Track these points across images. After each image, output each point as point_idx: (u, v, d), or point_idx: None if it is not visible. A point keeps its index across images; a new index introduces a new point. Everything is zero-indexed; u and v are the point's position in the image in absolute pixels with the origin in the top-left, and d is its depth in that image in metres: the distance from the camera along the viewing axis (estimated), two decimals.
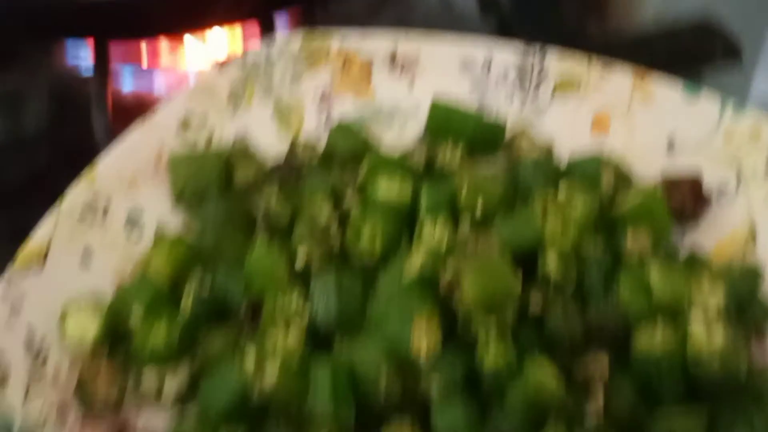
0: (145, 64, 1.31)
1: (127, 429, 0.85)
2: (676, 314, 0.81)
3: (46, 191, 0.94)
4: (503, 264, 0.81)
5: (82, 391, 0.85)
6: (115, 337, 0.89)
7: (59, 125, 1.16)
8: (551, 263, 0.83)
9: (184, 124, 1.01)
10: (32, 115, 1.26)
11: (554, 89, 1.04)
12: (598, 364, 0.80)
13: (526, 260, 0.84)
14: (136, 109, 1.14)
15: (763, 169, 0.96)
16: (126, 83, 1.30)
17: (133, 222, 0.96)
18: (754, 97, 1.28)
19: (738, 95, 1.08)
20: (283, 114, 1.05)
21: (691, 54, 1.32)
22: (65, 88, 1.29)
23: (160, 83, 1.29)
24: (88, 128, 1.17)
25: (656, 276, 0.82)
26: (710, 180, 0.97)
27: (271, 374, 0.78)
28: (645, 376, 0.79)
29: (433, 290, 0.81)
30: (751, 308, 0.88)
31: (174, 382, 0.86)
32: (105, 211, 0.95)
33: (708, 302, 0.82)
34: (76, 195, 0.93)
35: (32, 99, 1.27)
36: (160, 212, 0.98)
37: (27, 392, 0.84)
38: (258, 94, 1.04)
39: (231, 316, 0.89)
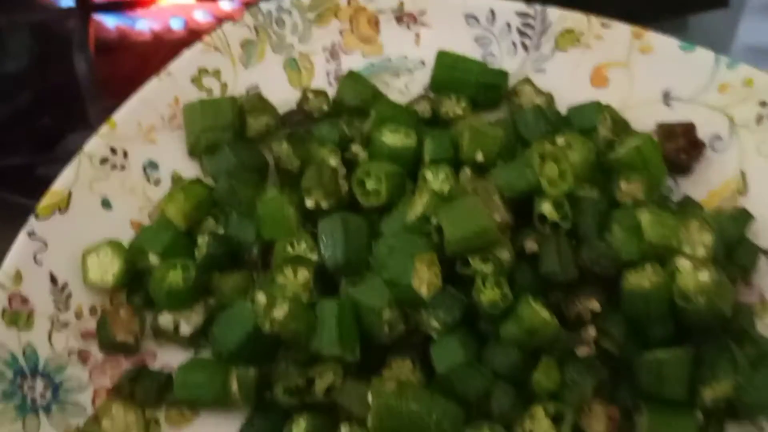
0: (127, 1, 1.28)
1: (145, 368, 0.89)
2: (665, 255, 0.85)
3: (28, 129, 0.96)
4: (480, 207, 0.85)
5: (103, 331, 0.90)
6: (134, 279, 0.94)
7: (41, 63, 1.15)
8: (546, 207, 0.87)
9: (198, 77, 1.05)
10: (14, 53, 1.25)
11: (556, 42, 1.07)
12: (590, 303, 0.84)
13: (524, 204, 0.88)
14: (118, 47, 1.15)
15: (754, 118, 0.99)
16: (108, 21, 1.27)
17: (150, 170, 1.00)
18: (740, 42, 1.29)
19: (724, 40, 1.10)
20: (294, 66, 1.09)
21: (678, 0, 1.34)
22: (47, 26, 1.27)
23: (142, 21, 1.28)
24: (70, 66, 1.15)
25: (647, 219, 0.85)
26: (704, 129, 1.00)
27: (280, 313, 0.82)
28: (634, 313, 0.84)
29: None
30: (739, 251, 0.92)
31: (189, 323, 0.91)
32: (123, 160, 0.99)
33: (697, 244, 0.86)
34: (95, 144, 0.98)
35: (13, 37, 1.26)
36: (176, 161, 1.02)
37: (50, 333, 0.89)
38: (269, 48, 1.08)
39: (244, 260, 0.94)
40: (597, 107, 1.00)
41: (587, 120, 0.99)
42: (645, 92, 1.04)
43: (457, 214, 0.84)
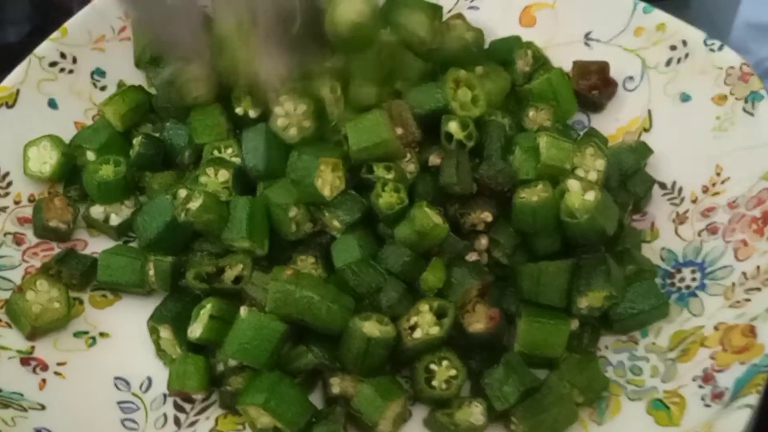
0: None
1: (73, 251, 0.96)
2: (559, 176, 0.91)
3: None
4: (384, 121, 0.91)
5: (37, 217, 0.97)
6: (72, 174, 1.01)
7: (41, 33, 1.12)
8: (452, 126, 0.93)
9: None
10: (14, 22, 1.30)
11: None
12: (484, 214, 0.90)
13: (435, 125, 0.95)
14: None
15: (664, 61, 1.05)
16: None
17: (97, 76, 1.07)
18: (741, 19, 1.34)
19: (725, 17, 1.15)
20: None
21: None
22: None
23: None
24: None
25: (545, 141, 0.92)
26: (618, 69, 1.07)
27: (195, 205, 0.89)
28: (523, 226, 0.90)
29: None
30: (634, 180, 0.99)
31: (119, 215, 0.98)
32: (72, 65, 1.06)
33: (590, 169, 0.93)
34: (46, 48, 1.05)
35: (14, 7, 1.30)
36: (123, 70, 1.09)
37: None
38: None
39: (175, 165, 1.01)
40: (517, 42, 1.06)
41: (506, 53, 1.05)
42: (568, 33, 1.11)
43: (362, 126, 0.91)
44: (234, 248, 0.91)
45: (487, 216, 0.90)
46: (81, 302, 0.94)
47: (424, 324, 0.86)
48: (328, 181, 0.89)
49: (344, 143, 0.92)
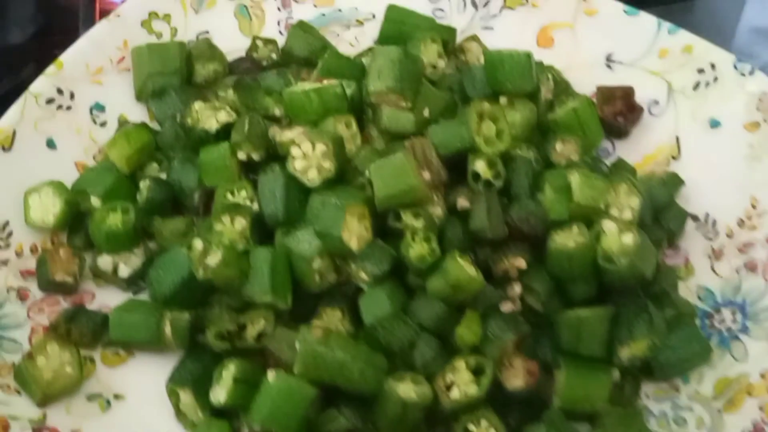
0: None
1: (82, 307, 0.91)
2: (592, 217, 0.87)
3: None
4: (409, 165, 0.86)
5: (42, 270, 0.92)
6: (76, 220, 0.95)
7: (46, 35, 1.14)
8: (479, 165, 0.89)
9: (148, 20, 1.05)
10: (18, 23, 1.24)
11: (504, 2, 1.09)
12: (517, 260, 0.86)
13: (461, 161, 0.90)
14: None
15: (691, 85, 1.01)
16: None
17: (96, 111, 1.01)
18: (745, 23, 1.31)
19: (729, 22, 1.12)
20: (245, 13, 1.10)
21: None
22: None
23: None
24: (75, 38, 1.10)
25: (577, 180, 0.87)
26: (643, 93, 1.03)
27: (214, 261, 0.84)
28: (558, 272, 0.86)
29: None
30: (667, 214, 0.95)
31: (128, 266, 0.93)
32: (70, 101, 1.00)
33: (624, 207, 0.89)
34: (41, 84, 0.99)
35: (18, 8, 1.24)
36: (123, 103, 1.03)
37: None
38: None
39: (185, 206, 0.95)
40: (539, 67, 1.02)
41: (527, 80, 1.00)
42: (588, 54, 1.07)
43: (387, 171, 0.86)
44: (255, 303, 0.86)
45: (521, 263, 0.86)
46: (92, 361, 0.89)
47: (461, 383, 0.82)
48: (354, 232, 0.85)
49: (367, 186, 0.87)
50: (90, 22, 1.15)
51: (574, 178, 0.88)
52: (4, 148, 0.95)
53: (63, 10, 1.22)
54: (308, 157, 0.89)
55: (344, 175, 0.90)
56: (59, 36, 1.18)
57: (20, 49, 1.20)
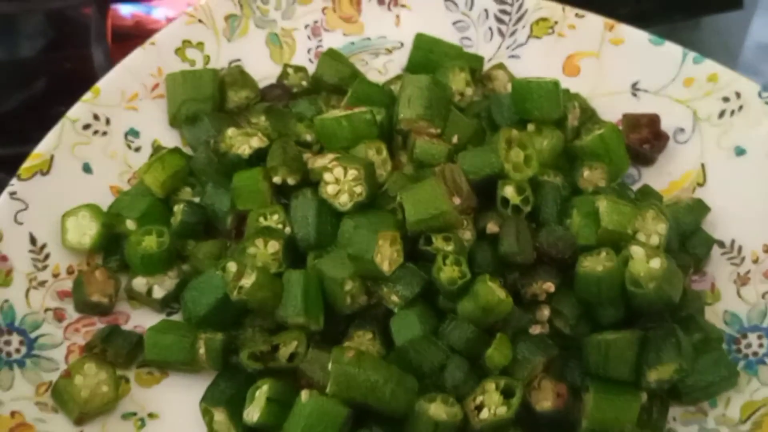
0: None
1: (118, 328, 0.93)
2: (620, 242, 0.88)
3: (43, 117, 0.98)
4: (440, 191, 0.88)
5: (78, 291, 0.93)
6: (111, 243, 0.97)
7: (56, 49, 1.14)
8: (508, 190, 0.90)
9: (182, 48, 1.08)
10: (29, 37, 1.24)
11: (531, 30, 1.11)
12: (546, 284, 0.88)
13: (490, 186, 0.92)
14: (134, 35, 1.13)
15: (717, 113, 1.03)
16: (124, 9, 1.27)
17: (131, 137, 1.03)
18: (752, 40, 1.32)
19: (736, 39, 1.13)
20: (276, 42, 1.12)
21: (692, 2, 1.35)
22: (62, 11, 1.24)
23: (158, 9, 1.29)
24: (86, 52, 1.16)
25: (605, 206, 0.89)
26: (668, 121, 1.04)
27: (248, 283, 0.86)
28: (587, 296, 0.87)
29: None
30: (693, 240, 0.96)
31: (162, 287, 0.95)
32: (106, 126, 1.02)
33: (651, 233, 0.90)
34: (78, 110, 1.01)
35: (29, 22, 1.23)
36: (157, 129, 1.05)
37: (28, 291, 0.92)
38: (252, 23, 1.11)
39: (218, 229, 0.97)
40: (566, 94, 1.03)
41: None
42: (614, 83, 1.08)
43: (418, 195, 0.88)
44: (288, 324, 0.87)
45: (550, 287, 0.87)
46: (127, 381, 0.91)
47: (491, 404, 0.83)
48: (386, 255, 0.86)
49: (398, 212, 0.88)
50: (101, 36, 1.16)
51: (602, 204, 0.89)
52: (42, 173, 0.96)
53: (73, 23, 1.23)
54: (340, 181, 0.90)
55: (375, 200, 0.92)
56: (70, 50, 1.21)
57: (31, 63, 1.21)
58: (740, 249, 0.97)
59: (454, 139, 0.96)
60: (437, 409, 0.82)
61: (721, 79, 1.03)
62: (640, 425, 0.85)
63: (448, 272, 0.85)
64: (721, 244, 0.98)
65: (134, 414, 0.89)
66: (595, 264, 0.86)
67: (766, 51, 1.22)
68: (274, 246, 0.90)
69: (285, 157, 0.95)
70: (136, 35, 1.11)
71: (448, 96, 0.98)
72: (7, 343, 0.88)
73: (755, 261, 0.95)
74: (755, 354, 0.91)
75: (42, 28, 1.24)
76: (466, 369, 0.85)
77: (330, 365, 0.82)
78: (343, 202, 0.90)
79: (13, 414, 0.84)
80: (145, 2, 1.26)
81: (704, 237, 0.97)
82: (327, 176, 0.91)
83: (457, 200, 0.88)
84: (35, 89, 1.20)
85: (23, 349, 0.89)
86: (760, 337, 0.91)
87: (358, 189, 0.90)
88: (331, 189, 0.91)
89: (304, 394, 0.82)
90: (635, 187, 1.03)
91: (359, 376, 0.81)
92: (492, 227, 0.89)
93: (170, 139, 1.05)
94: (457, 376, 0.84)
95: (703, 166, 1.02)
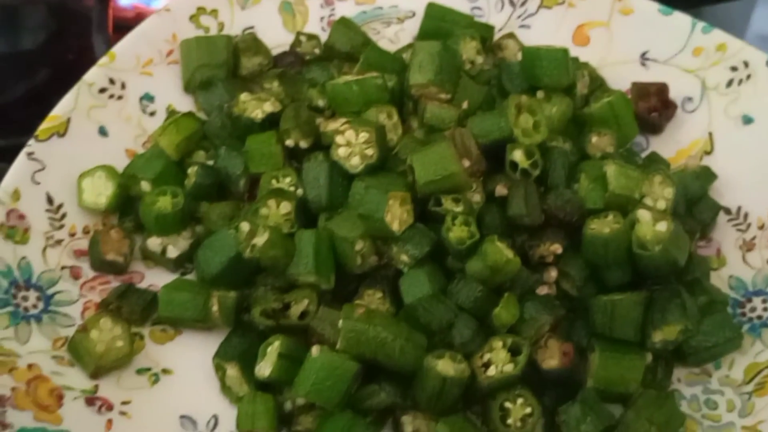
0: None
1: (132, 285, 0.95)
2: (627, 205, 0.90)
3: (45, 108, 1.00)
4: (450, 153, 0.89)
5: (94, 250, 0.95)
6: (126, 204, 0.99)
7: (58, 40, 1.14)
8: (517, 154, 0.91)
9: (196, 15, 1.09)
10: (31, 29, 1.25)
11: (542, 1, 1.12)
12: (553, 245, 0.89)
13: (500, 150, 0.93)
14: (134, 26, 1.10)
15: (725, 82, 1.04)
16: (126, 0, 1.27)
17: (146, 101, 1.05)
18: (752, 31, 1.33)
19: (736, 30, 1.14)
20: (289, 10, 1.13)
21: None
22: (65, 3, 1.25)
23: (159, 1, 1.27)
24: (88, 44, 1.17)
25: (613, 170, 0.90)
26: (677, 90, 1.05)
27: (260, 241, 0.87)
28: (593, 257, 0.89)
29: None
30: (700, 207, 0.98)
31: (176, 247, 0.96)
32: (121, 90, 1.04)
33: (658, 197, 0.91)
34: (94, 74, 1.02)
35: (31, 14, 1.25)
36: (172, 94, 1.07)
37: (45, 249, 0.94)
38: None
39: (231, 192, 0.99)
40: (575, 62, 1.04)
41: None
42: (623, 52, 1.09)
43: (429, 158, 0.89)
44: (299, 283, 0.89)
45: (557, 248, 0.89)
46: (141, 337, 0.92)
47: (498, 361, 0.85)
48: (396, 215, 0.88)
49: (409, 174, 0.90)
50: (102, 28, 1.17)
51: (610, 169, 0.90)
52: (59, 134, 0.98)
53: (75, 15, 1.23)
54: (351, 144, 0.92)
55: (386, 163, 0.93)
56: (71, 41, 1.22)
57: (33, 55, 1.21)
58: (746, 216, 0.98)
59: (464, 105, 0.97)
60: (445, 366, 0.83)
61: (730, 49, 1.04)
62: (645, 385, 0.87)
63: (457, 232, 0.87)
64: (728, 211, 0.99)
65: (148, 369, 0.90)
66: (603, 226, 0.88)
67: (766, 41, 1.22)
68: (286, 207, 0.92)
69: (298, 120, 0.96)
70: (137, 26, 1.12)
71: (458, 62, 0.99)
72: (25, 298, 0.90)
73: (761, 227, 0.97)
74: (759, 317, 0.92)
75: (44, 19, 1.25)
76: (474, 327, 0.86)
77: (340, 321, 0.84)
78: (355, 164, 0.91)
79: (30, 366, 0.86)
80: None
81: (711, 203, 0.98)
82: (338, 139, 0.92)
83: (466, 163, 0.89)
84: (37, 80, 1.21)
85: (40, 305, 0.91)
86: (764, 301, 0.93)
87: (369, 151, 0.91)
88: (342, 151, 0.92)
89: (315, 349, 0.83)
90: (643, 155, 1.03)
91: (369, 332, 0.83)
92: (501, 190, 0.91)
93: (184, 104, 1.06)
94: (465, 334, 0.86)
95: (710, 134, 1.03)
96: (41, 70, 1.22)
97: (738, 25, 1.31)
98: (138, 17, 1.13)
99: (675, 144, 1.04)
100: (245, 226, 0.89)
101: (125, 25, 1.11)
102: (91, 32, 1.17)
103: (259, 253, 0.87)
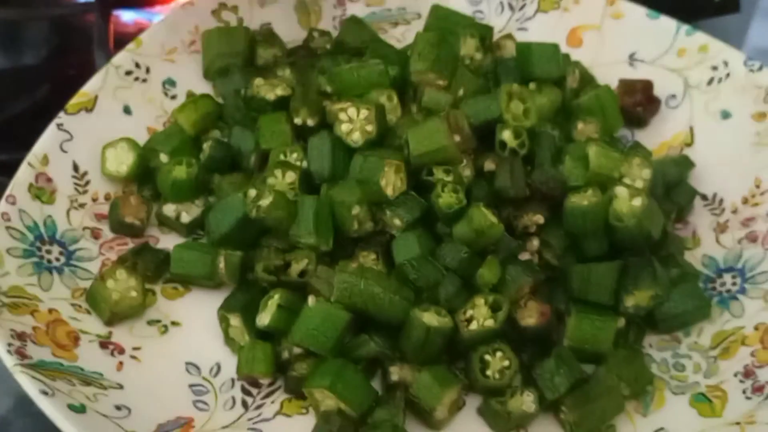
0: None
1: (148, 244, 1.03)
2: (607, 183, 0.97)
3: (47, 123, 1.04)
4: (442, 129, 0.97)
5: (114, 213, 1.03)
6: (146, 175, 1.07)
7: (60, 56, 1.17)
8: (506, 134, 0.99)
9: (218, 10, 1.18)
10: (32, 45, 1.29)
11: (538, 5, 1.21)
12: (536, 217, 0.96)
13: (491, 132, 1.01)
14: None
15: (706, 81, 1.11)
16: (126, 15, 1.29)
17: (168, 86, 1.13)
18: (750, 45, 1.39)
19: (734, 43, 1.21)
20: (304, 9, 1.22)
21: (691, 1, 1.43)
22: (65, 19, 1.30)
23: (160, 16, 1.26)
24: (90, 59, 1.20)
25: (595, 151, 0.97)
26: (662, 88, 1.13)
27: (265, 202, 0.95)
28: (573, 228, 0.95)
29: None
30: (677, 191, 1.05)
31: (189, 214, 1.04)
32: (146, 74, 1.12)
33: (636, 177, 0.98)
34: (122, 57, 1.11)
35: (32, 29, 1.28)
36: (192, 80, 1.15)
37: (69, 210, 1.02)
38: None
39: (242, 167, 1.07)
40: (566, 59, 1.12)
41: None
42: (613, 53, 1.17)
43: (422, 132, 0.97)
44: (300, 244, 0.96)
45: (539, 219, 0.96)
46: (154, 293, 0.99)
47: (479, 317, 0.91)
48: (391, 181, 0.95)
49: (405, 148, 0.97)
50: (104, 43, 1.21)
51: (592, 150, 0.97)
52: (87, 110, 1.06)
53: (77, 31, 1.28)
54: (353, 120, 1.00)
55: (384, 140, 1.01)
56: (73, 57, 1.28)
57: (35, 70, 1.25)
58: (721, 201, 1.05)
59: (460, 92, 1.05)
60: (430, 318, 0.90)
61: (711, 49, 1.12)
62: (617, 346, 0.93)
63: (446, 198, 0.94)
64: (704, 197, 1.06)
65: (159, 321, 0.98)
66: (582, 199, 0.95)
67: (764, 55, 1.28)
68: (291, 176, 0.99)
69: (306, 101, 1.04)
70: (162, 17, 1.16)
71: (455, 53, 1.07)
72: (49, 252, 0.98)
73: (734, 211, 1.03)
74: (728, 291, 0.98)
75: (45, 35, 1.30)
76: (458, 285, 0.93)
77: (334, 276, 0.91)
78: (356, 139, 0.99)
79: (50, 311, 0.93)
80: (147, 9, 1.30)
81: (688, 188, 1.05)
82: (341, 115, 1.00)
83: (457, 138, 0.97)
84: (39, 96, 1.25)
85: (62, 259, 0.98)
86: (734, 277, 0.99)
87: (369, 127, 0.99)
88: (344, 127, 1.00)
89: (311, 299, 0.91)
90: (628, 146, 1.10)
91: (361, 285, 0.90)
92: (489, 165, 0.98)
93: (203, 90, 1.15)
94: (450, 291, 0.92)
95: (691, 128, 1.10)
96: (43, 86, 1.26)
97: (735, 38, 1.36)
98: (139, 32, 1.16)
99: (658, 137, 1.12)
100: (252, 192, 0.97)
101: (126, 40, 1.15)
102: (92, 48, 1.22)
103: (264, 213, 0.94)
